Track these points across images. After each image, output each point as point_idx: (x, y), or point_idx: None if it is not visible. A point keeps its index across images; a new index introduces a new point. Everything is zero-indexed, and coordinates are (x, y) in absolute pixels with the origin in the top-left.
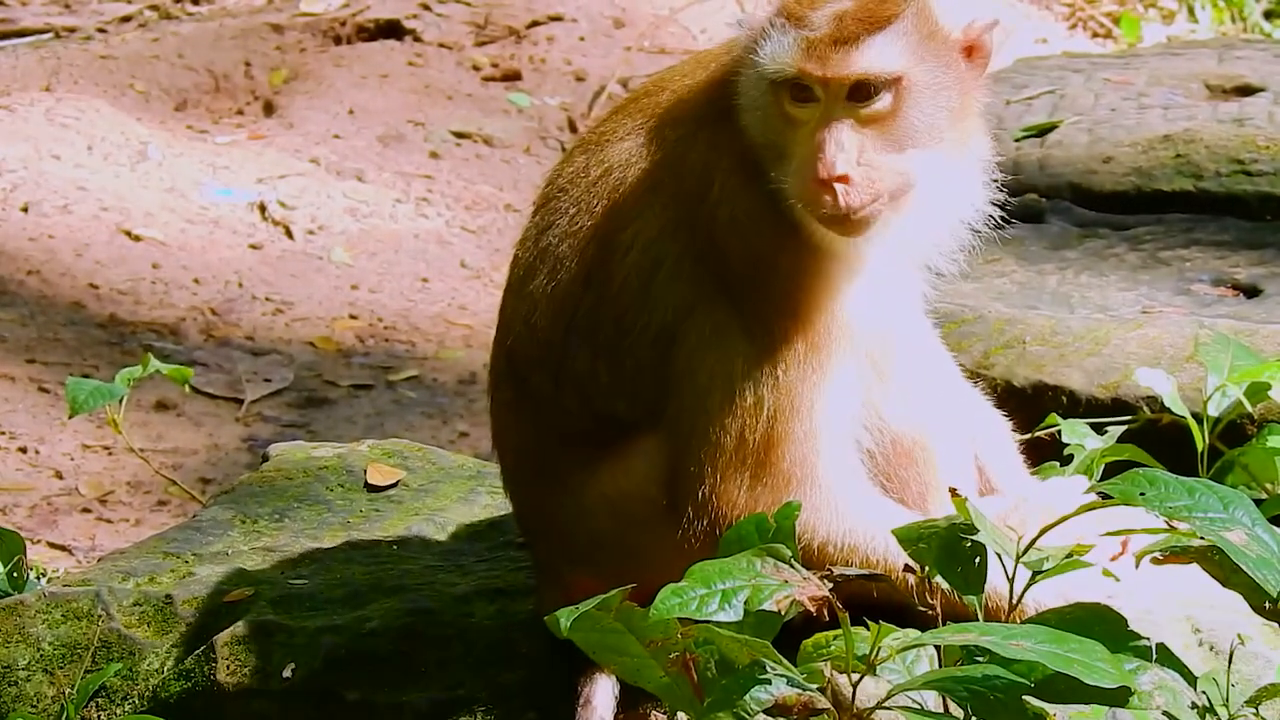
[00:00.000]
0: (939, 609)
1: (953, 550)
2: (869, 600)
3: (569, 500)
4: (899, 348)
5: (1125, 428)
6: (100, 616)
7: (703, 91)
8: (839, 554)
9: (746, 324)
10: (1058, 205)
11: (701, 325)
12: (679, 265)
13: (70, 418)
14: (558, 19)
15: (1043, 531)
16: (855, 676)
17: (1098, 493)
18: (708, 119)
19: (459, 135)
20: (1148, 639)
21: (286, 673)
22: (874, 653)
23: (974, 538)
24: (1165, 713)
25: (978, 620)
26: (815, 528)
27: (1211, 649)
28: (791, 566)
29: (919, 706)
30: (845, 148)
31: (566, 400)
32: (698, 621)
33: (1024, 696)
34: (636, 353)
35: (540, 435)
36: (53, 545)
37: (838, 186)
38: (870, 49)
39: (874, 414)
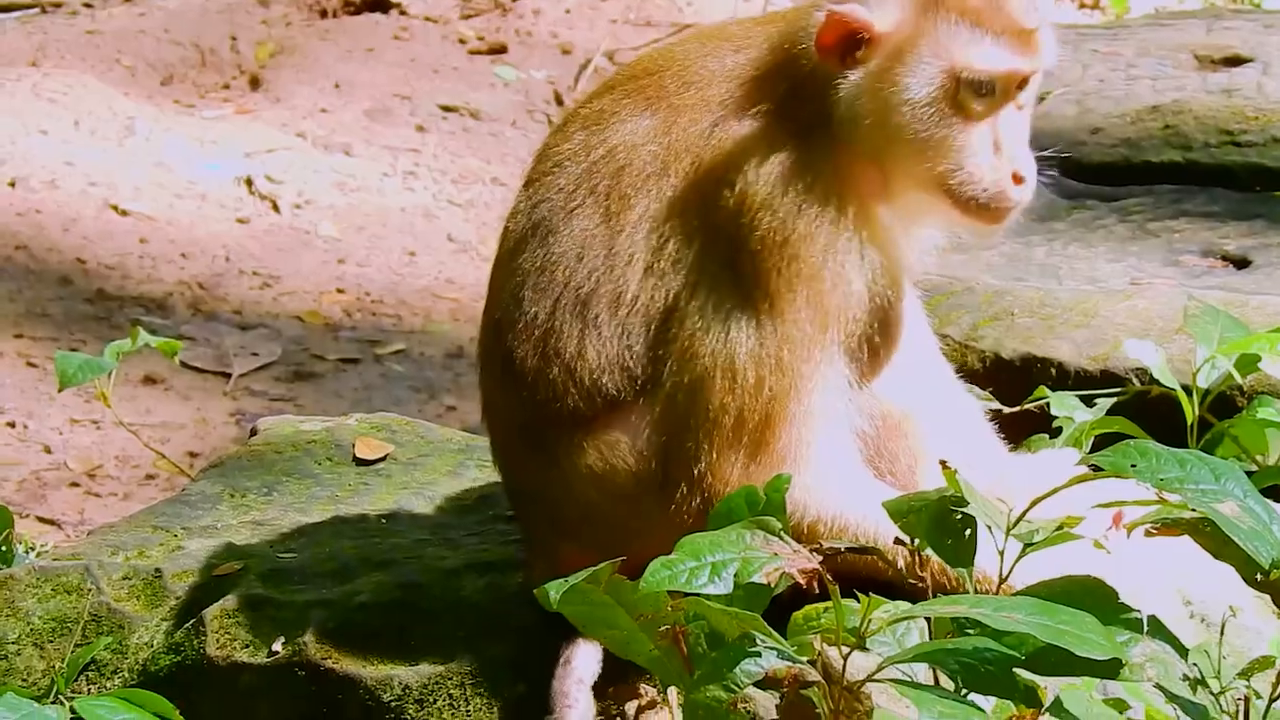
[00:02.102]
0: (929, 582)
1: (943, 523)
2: (859, 576)
3: (557, 473)
4: (891, 323)
5: (1114, 400)
6: (90, 590)
7: (727, 78)
8: (830, 532)
9: (754, 307)
10: (1046, 176)
11: (705, 306)
12: (688, 246)
13: (60, 391)
14: None
15: (1034, 503)
16: (845, 649)
17: (1088, 465)
18: (735, 106)
19: (445, 109)
20: (1139, 611)
21: (276, 646)
22: (864, 625)
23: (964, 510)
24: (1157, 685)
25: (968, 593)
26: (807, 506)
27: (1203, 621)
28: (781, 539)
29: (910, 679)
30: (1024, 141)
31: (553, 374)
32: (688, 594)
33: (1015, 669)
34: (629, 330)
35: (527, 409)
36: (41, 519)
37: (1026, 178)
38: (1049, 39)
39: (866, 388)
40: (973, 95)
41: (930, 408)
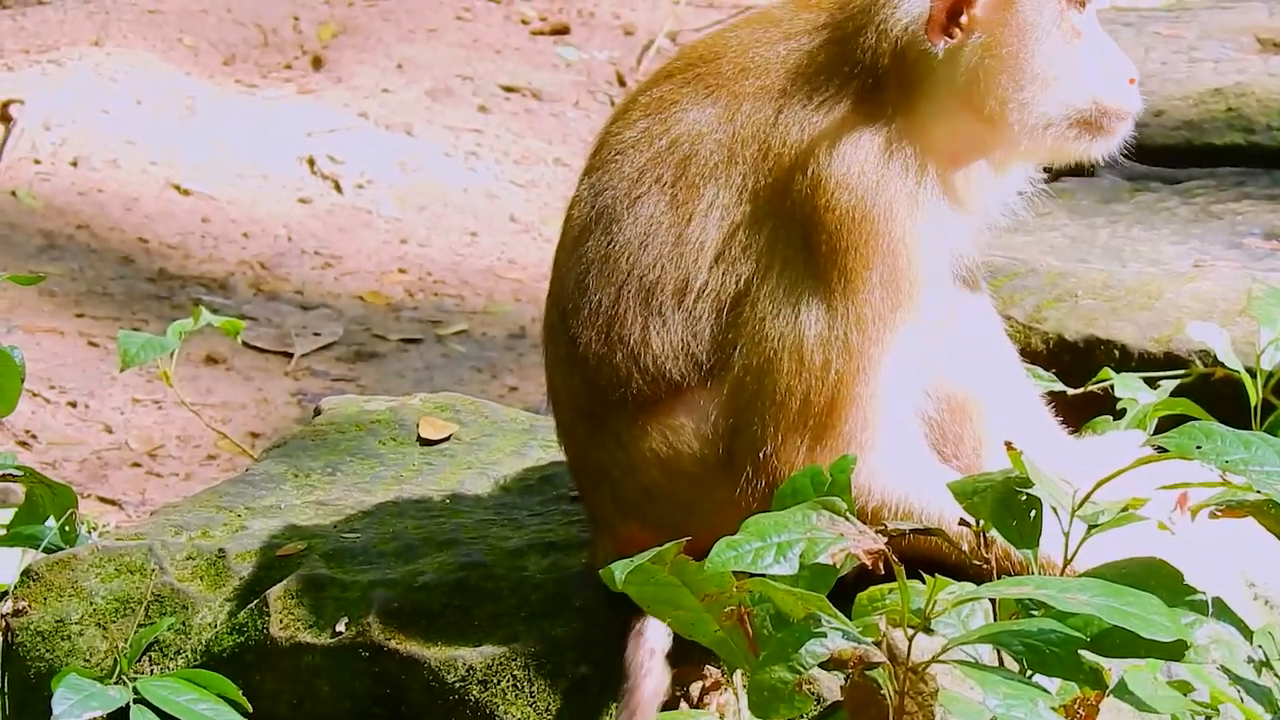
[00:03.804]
0: (993, 564)
1: (1008, 504)
2: (923, 558)
3: (621, 454)
4: (958, 304)
5: (1178, 382)
6: (153, 570)
7: (783, 64)
8: (894, 515)
9: (828, 288)
10: (1109, 158)
11: (776, 290)
12: (759, 232)
13: (121, 371)
14: None
15: (1099, 485)
16: (910, 630)
17: (1154, 447)
18: (797, 91)
19: (507, 89)
20: (1204, 593)
21: (339, 626)
22: (929, 606)
23: (1029, 491)
24: (1221, 667)
25: (1033, 574)
26: (871, 490)
27: (1267, 604)
28: (847, 520)
29: (974, 660)
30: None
31: (617, 360)
32: (753, 575)
33: (1080, 650)
34: (697, 318)
35: (592, 391)
36: (103, 500)
37: (1135, 76)
38: None
39: (931, 371)
40: (1076, 13)
41: (995, 391)
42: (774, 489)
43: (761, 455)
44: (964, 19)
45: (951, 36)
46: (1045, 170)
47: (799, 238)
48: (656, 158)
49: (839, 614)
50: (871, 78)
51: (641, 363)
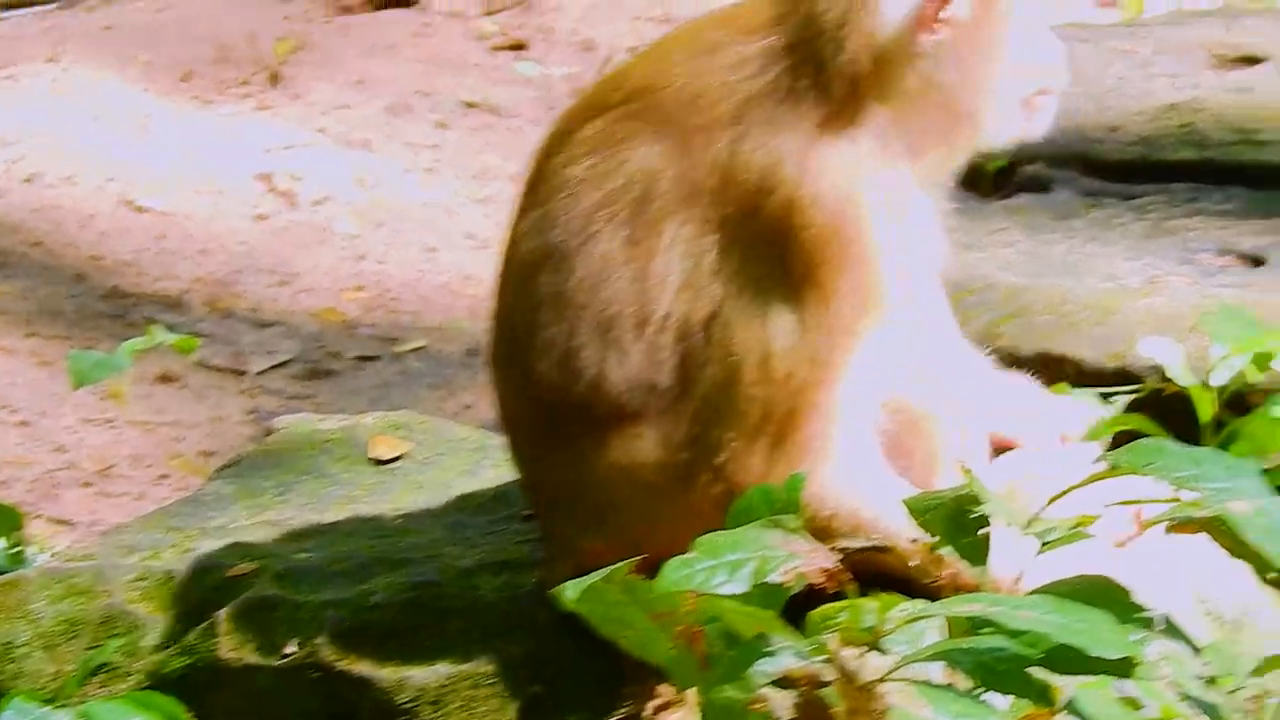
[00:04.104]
0: (946, 581)
1: (960, 521)
2: (878, 572)
3: (581, 470)
4: (915, 314)
5: (1132, 397)
6: (102, 592)
7: (733, 91)
8: (847, 528)
9: (799, 303)
10: (1064, 175)
11: (747, 308)
12: (728, 257)
13: (74, 390)
14: None
15: (1050, 502)
16: (862, 648)
17: (1105, 462)
18: (753, 111)
19: (467, 105)
20: (1153, 610)
21: (290, 647)
22: (880, 625)
23: (980, 509)
24: (1171, 683)
25: (984, 592)
26: (824, 500)
27: (1217, 619)
28: (799, 538)
29: (925, 679)
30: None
31: (577, 390)
32: (704, 594)
33: (1030, 668)
34: (659, 349)
35: (550, 419)
36: (54, 520)
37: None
38: None
39: (888, 381)
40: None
41: (954, 401)
42: (733, 495)
43: (721, 462)
44: (947, 14)
45: (936, 33)
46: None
47: (772, 259)
48: (610, 197)
49: (791, 632)
50: (844, 88)
51: (601, 392)
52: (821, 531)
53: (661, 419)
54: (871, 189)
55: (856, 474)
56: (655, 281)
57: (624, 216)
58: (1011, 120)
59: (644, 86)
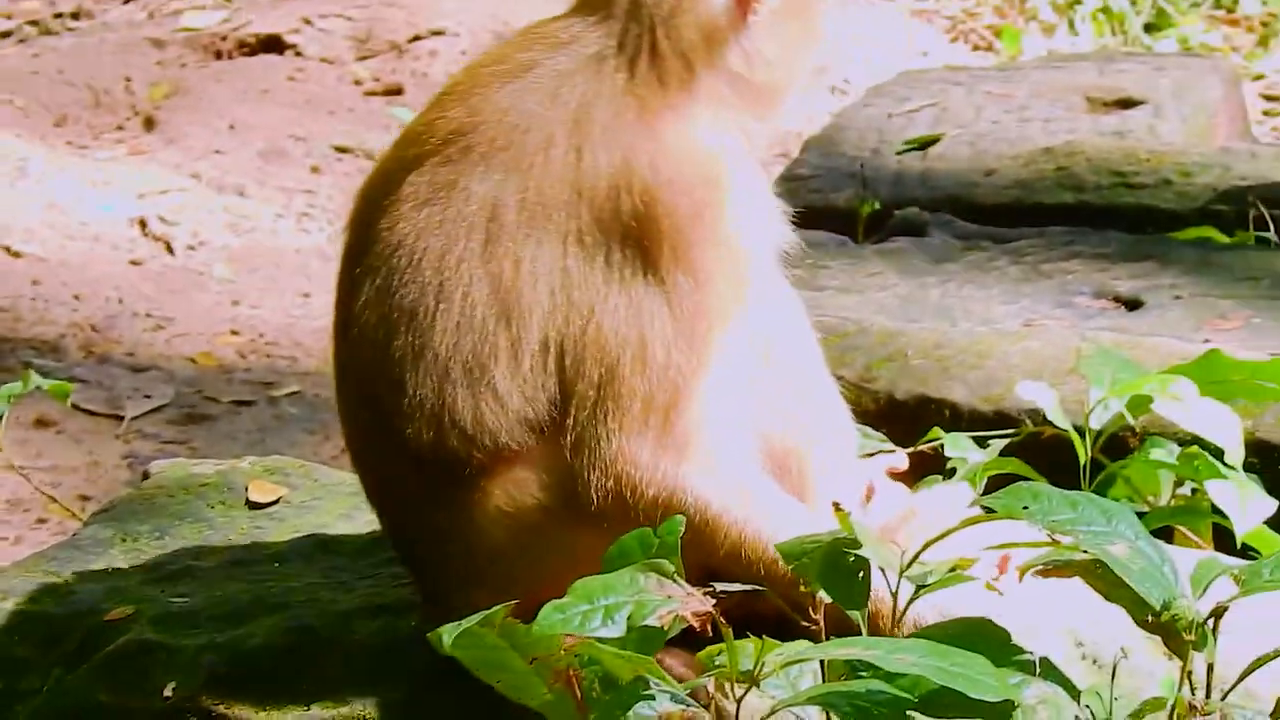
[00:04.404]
0: (823, 624)
1: (836, 565)
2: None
3: (460, 525)
4: (780, 342)
5: (1008, 441)
6: None
7: (561, 105)
8: (732, 528)
9: (673, 289)
10: (940, 218)
11: (618, 306)
12: (591, 265)
13: None
14: (439, 33)
15: (926, 546)
16: (739, 692)
17: (982, 506)
18: (590, 121)
19: (340, 150)
20: (1031, 653)
21: (168, 691)
22: (758, 668)
23: (857, 552)
24: None
25: (862, 634)
26: (710, 501)
27: (1094, 663)
28: (675, 582)
29: None
30: None
31: (451, 444)
32: (581, 637)
33: (908, 711)
34: (533, 377)
35: (425, 478)
36: None
37: None
38: None
39: (754, 410)
40: None
41: (823, 437)
42: (624, 496)
43: (606, 460)
44: (760, 3)
45: (757, 11)
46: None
47: (637, 254)
48: (455, 243)
49: (667, 676)
50: (681, 73)
51: (479, 440)
52: (706, 533)
53: (544, 452)
54: (722, 166)
55: (738, 475)
56: (523, 313)
57: (476, 258)
58: (802, 94)
59: (459, 128)
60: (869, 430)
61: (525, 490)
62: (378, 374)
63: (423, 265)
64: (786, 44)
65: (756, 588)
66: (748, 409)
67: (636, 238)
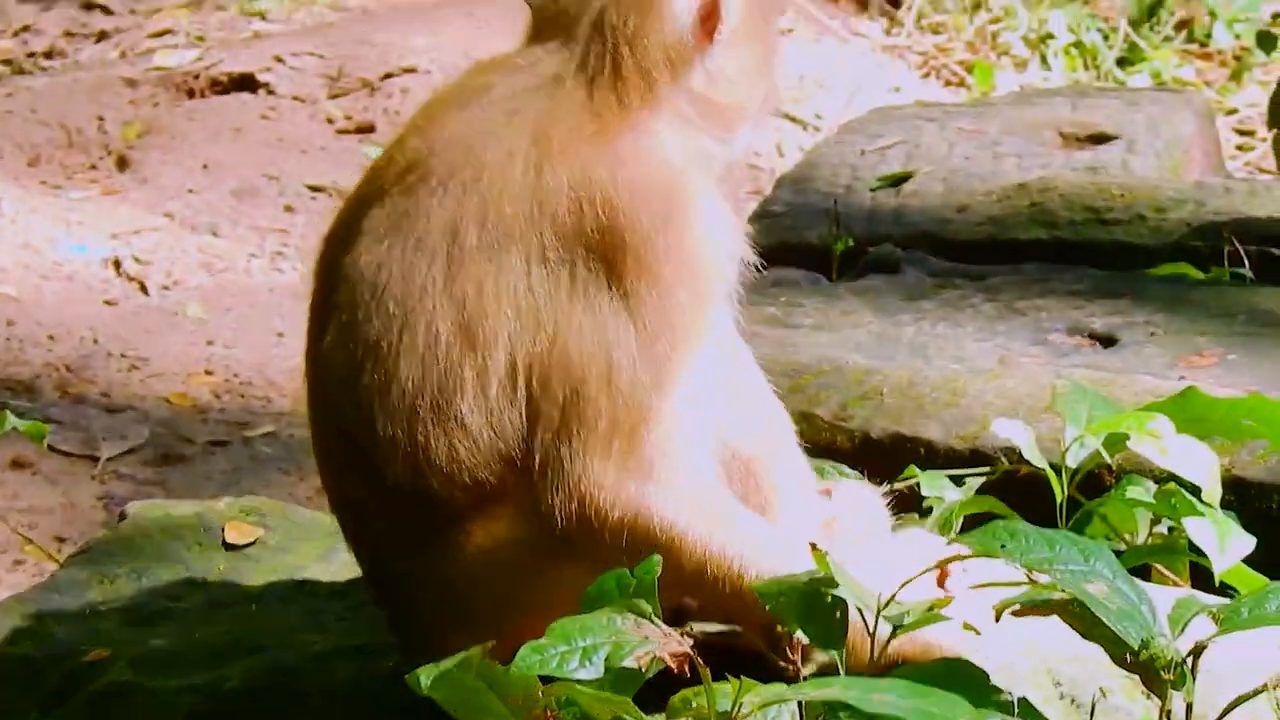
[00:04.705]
0: (799, 665)
1: (813, 604)
2: (734, 652)
3: (443, 565)
4: (732, 357)
5: (984, 479)
6: None
7: (520, 121)
8: (696, 547)
9: (637, 306)
10: (913, 255)
11: (583, 324)
12: (555, 283)
13: None
14: (411, 71)
15: (904, 584)
16: None
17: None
18: (549, 138)
19: (313, 189)
20: (1009, 693)
21: None
22: (736, 709)
23: (834, 592)
24: None
25: (839, 674)
26: (674, 521)
27: (1073, 702)
28: (652, 623)
29: None
30: None
31: (433, 486)
32: (559, 679)
33: None
34: (501, 407)
35: (406, 513)
36: None
37: None
38: None
39: (717, 425)
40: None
41: (778, 452)
42: (588, 517)
43: (570, 483)
44: (723, 24)
45: (714, 40)
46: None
47: (600, 269)
48: (416, 273)
49: (644, 717)
50: (642, 91)
51: (458, 479)
52: (673, 553)
53: (518, 486)
54: (684, 182)
55: (702, 496)
56: (487, 338)
57: (438, 286)
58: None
59: (416, 157)
60: (845, 469)
61: (503, 526)
62: (348, 414)
63: (385, 298)
64: (746, 63)
65: (734, 628)
66: (711, 425)
67: (600, 252)
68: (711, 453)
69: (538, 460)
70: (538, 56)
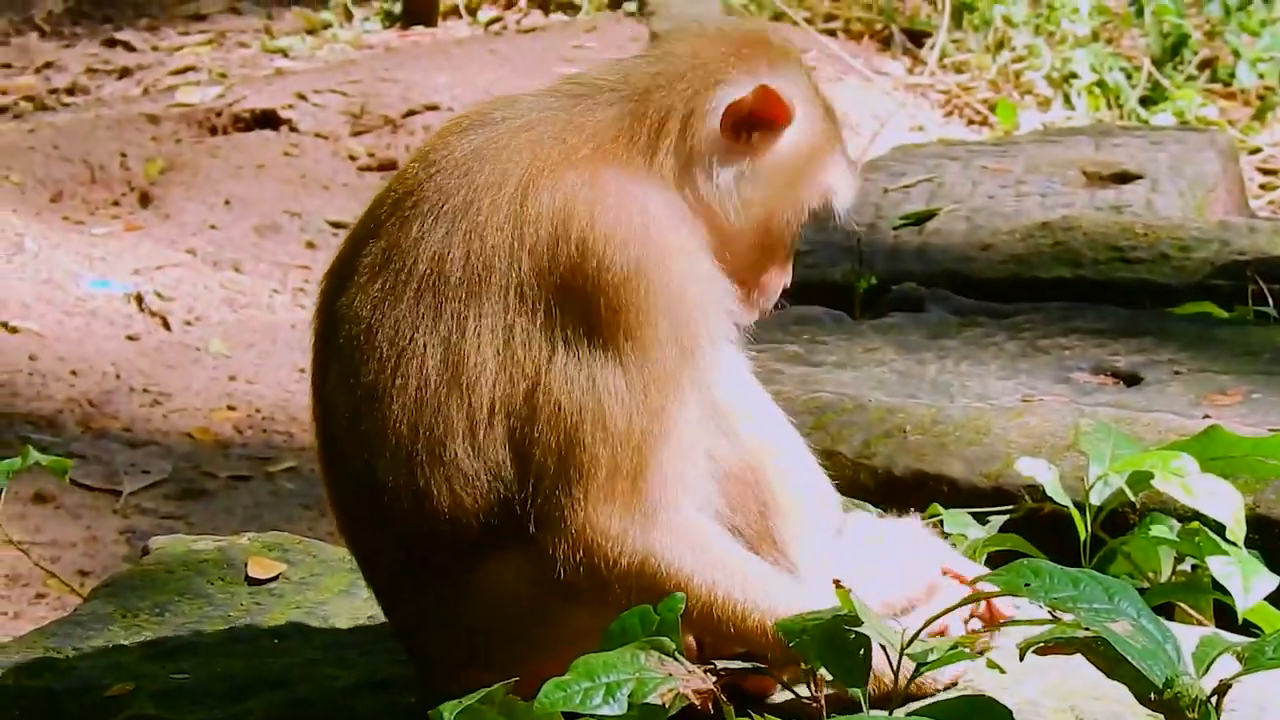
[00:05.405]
0: (823, 702)
1: (837, 642)
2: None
3: (459, 604)
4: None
5: (1007, 517)
6: None
7: (522, 145)
8: (702, 590)
9: (617, 350)
10: (936, 293)
11: (565, 366)
12: (534, 320)
13: None
14: (434, 108)
15: (928, 623)
16: None
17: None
18: (544, 165)
19: (335, 225)
20: None
21: None
22: None
23: (858, 629)
24: None
25: (862, 710)
26: (680, 565)
27: None
28: (676, 660)
29: None
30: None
31: (440, 530)
32: (582, 715)
33: None
34: (493, 448)
35: (418, 553)
36: None
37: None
38: None
39: (715, 453)
40: (812, 217)
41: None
42: (595, 570)
43: (574, 532)
44: (752, 136)
45: (740, 140)
46: (871, 300)
47: (579, 309)
48: (407, 309)
49: None
50: (647, 150)
51: (463, 523)
52: (679, 587)
53: (521, 532)
54: (662, 229)
55: (703, 527)
56: (470, 379)
57: (427, 324)
58: (761, 276)
59: (413, 185)
60: (867, 506)
61: (511, 568)
62: (353, 459)
63: (379, 339)
64: (750, 198)
65: (758, 666)
66: (711, 468)
67: (575, 291)
68: (712, 495)
69: (536, 511)
70: (566, 99)
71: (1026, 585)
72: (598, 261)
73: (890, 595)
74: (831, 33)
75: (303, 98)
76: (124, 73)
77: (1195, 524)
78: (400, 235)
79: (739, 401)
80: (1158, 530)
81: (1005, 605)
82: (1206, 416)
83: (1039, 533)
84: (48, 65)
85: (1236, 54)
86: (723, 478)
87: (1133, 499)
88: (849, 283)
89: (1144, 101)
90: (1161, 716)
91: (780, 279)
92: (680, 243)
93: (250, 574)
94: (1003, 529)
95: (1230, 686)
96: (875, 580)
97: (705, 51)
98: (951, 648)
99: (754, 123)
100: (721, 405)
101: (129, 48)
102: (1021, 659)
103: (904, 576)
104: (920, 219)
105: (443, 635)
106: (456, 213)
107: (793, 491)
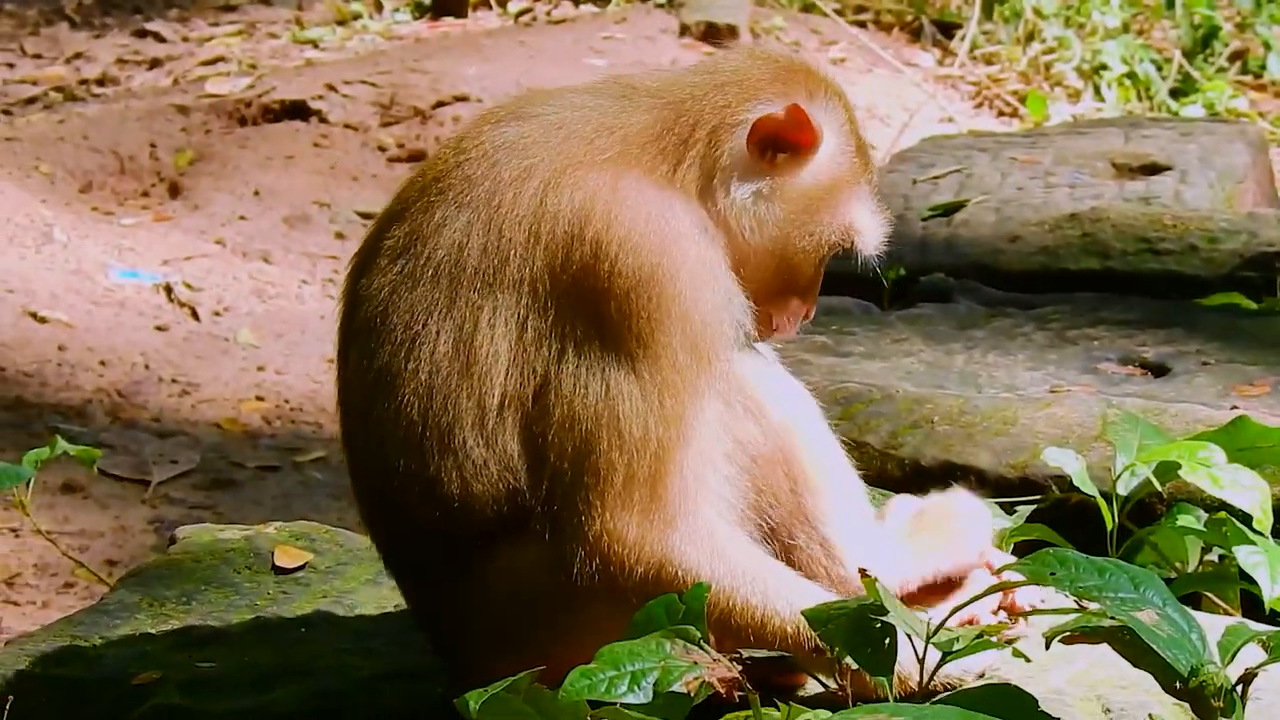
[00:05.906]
0: (849, 688)
1: (862, 631)
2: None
3: (477, 593)
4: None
5: (1034, 507)
6: (8, 700)
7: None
8: (721, 595)
9: (630, 355)
10: (965, 284)
11: (577, 369)
12: (545, 317)
13: None
14: (463, 99)
15: (954, 611)
16: None
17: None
18: (567, 161)
19: (364, 216)
20: (1059, 719)
21: None
22: None
23: (884, 619)
24: None
25: (888, 700)
26: (699, 571)
27: None
28: (701, 648)
29: None
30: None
31: (455, 522)
32: (607, 703)
33: None
34: (503, 440)
35: (433, 542)
36: None
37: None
38: None
39: (738, 439)
40: (836, 252)
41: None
42: (612, 572)
43: (592, 538)
44: (777, 156)
45: (764, 158)
46: (899, 291)
47: (589, 311)
48: (424, 294)
49: None
50: (673, 159)
51: (474, 512)
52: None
53: (535, 530)
54: (678, 237)
55: (721, 532)
56: (483, 366)
57: (441, 308)
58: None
59: (444, 170)
60: (894, 497)
61: (530, 556)
62: (368, 446)
63: (394, 323)
64: (766, 218)
65: (783, 655)
66: (737, 456)
67: (587, 293)
68: (740, 483)
69: (552, 517)
70: (598, 98)
71: (1053, 574)
72: (610, 265)
73: (942, 565)
74: (862, 24)
75: (332, 89)
76: (154, 63)
77: (1222, 514)
78: (424, 220)
79: (766, 384)
80: (1185, 520)
81: (1027, 598)
82: (1234, 407)
83: (1066, 523)
84: (78, 56)
85: (1267, 46)
86: (750, 462)
87: (1160, 489)
88: (877, 274)
89: (1174, 93)
90: (1187, 705)
91: (799, 310)
92: (697, 253)
93: (277, 563)
94: (1030, 519)
95: (1256, 675)
96: (925, 551)
97: (749, 70)
98: (976, 637)
99: (781, 143)
100: (748, 389)
101: (159, 38)
102: (1048, 648)
103: (955, 545)
104: (949, 210)
105: (463, 624)
106: (479, 203)
107: (825, 468)
